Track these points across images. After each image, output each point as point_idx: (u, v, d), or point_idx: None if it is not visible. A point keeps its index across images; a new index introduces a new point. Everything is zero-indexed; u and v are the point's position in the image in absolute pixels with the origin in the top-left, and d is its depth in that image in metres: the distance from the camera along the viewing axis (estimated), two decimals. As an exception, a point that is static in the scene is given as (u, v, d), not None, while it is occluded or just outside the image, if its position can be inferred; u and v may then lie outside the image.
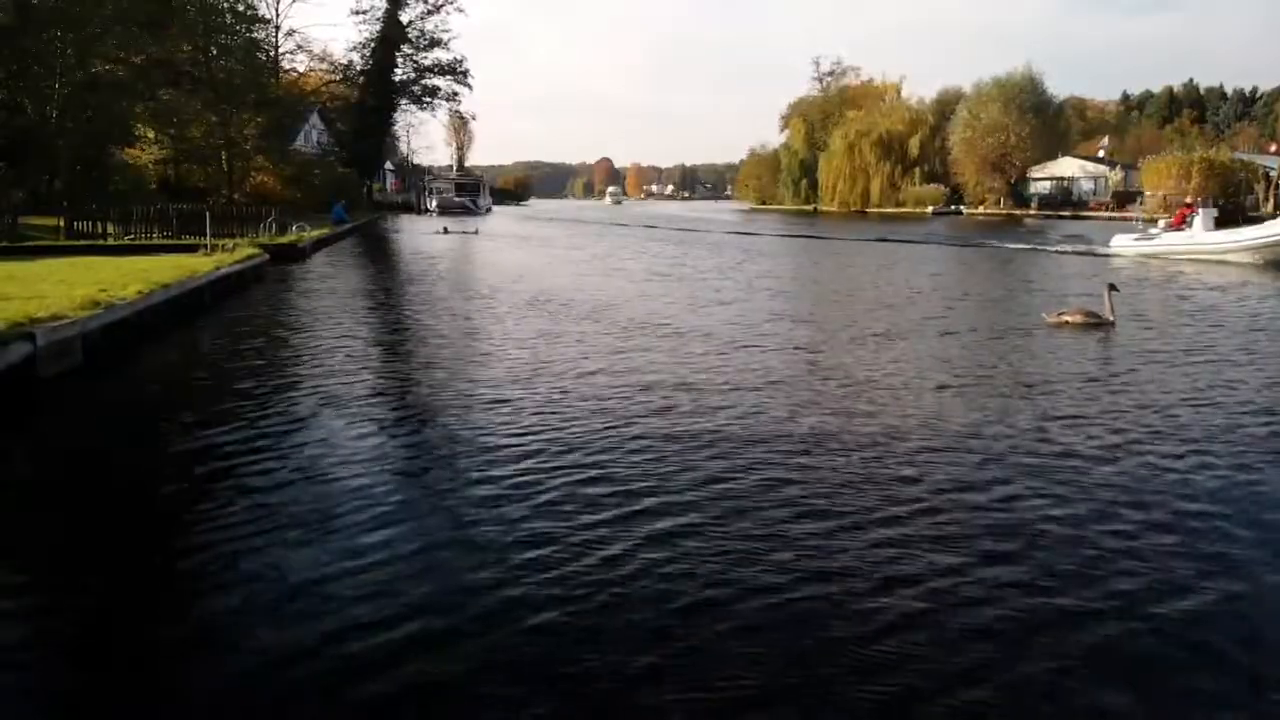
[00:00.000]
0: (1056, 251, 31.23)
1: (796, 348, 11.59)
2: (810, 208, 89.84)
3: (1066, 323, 13.15)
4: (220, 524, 5.25)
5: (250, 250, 20.89)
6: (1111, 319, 13.14)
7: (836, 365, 10.43)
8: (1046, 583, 4.52)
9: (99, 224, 24.85)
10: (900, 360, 10.68)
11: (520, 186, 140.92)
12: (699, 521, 5.32)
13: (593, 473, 6.23)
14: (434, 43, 72.89)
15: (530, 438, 7.10)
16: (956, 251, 32.56)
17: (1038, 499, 5.75)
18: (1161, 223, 29.22)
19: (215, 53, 42.18)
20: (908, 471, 6.32)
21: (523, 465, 6.37)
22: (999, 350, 11.45)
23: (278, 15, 59.43)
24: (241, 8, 44.74)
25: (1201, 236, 26.02)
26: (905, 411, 8.13)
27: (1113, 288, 13.70)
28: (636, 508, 5.54)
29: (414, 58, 73.32)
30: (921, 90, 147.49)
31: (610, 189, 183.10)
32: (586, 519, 5.33)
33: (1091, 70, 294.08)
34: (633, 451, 6.74)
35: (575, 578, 4.55)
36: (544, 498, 5.71)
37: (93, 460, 6.94)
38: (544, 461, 6.47)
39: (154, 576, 4.79)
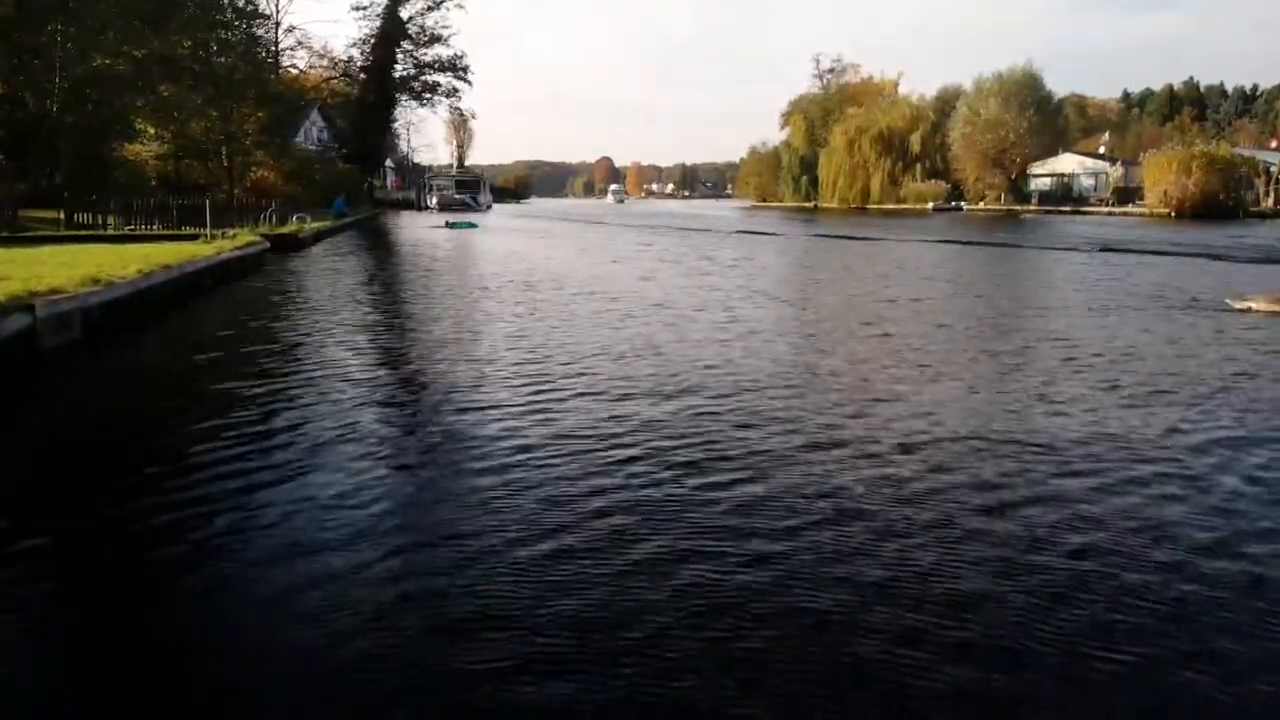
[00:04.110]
0: None
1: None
2: (810, 204, 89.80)
3: (1252, 309, 12.52)
4: (208, 492, 5.14)
5: (251, 237, 20.95)
6: None
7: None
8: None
9: (99, 215, 24.89)
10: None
11: (520, 185, 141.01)
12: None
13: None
14: (434, 39, 72.94)
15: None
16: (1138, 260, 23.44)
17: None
18: None
19: (215, 48, 42.06)
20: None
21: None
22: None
23: (278, 11, 59.45)
24: (242, 3, 44.75)
25: None
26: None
27: None
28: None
29: (414, 54, 73.38)
30: (922, 88, 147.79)
31: (613, 187, 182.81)
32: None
33: (1092, 68, 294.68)
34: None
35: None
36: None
37: (85, 427, 6.96)
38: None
39: (140, 540, 4.65)
